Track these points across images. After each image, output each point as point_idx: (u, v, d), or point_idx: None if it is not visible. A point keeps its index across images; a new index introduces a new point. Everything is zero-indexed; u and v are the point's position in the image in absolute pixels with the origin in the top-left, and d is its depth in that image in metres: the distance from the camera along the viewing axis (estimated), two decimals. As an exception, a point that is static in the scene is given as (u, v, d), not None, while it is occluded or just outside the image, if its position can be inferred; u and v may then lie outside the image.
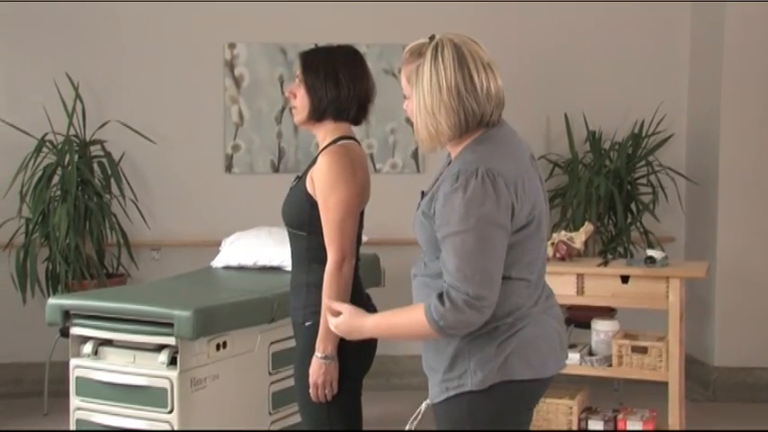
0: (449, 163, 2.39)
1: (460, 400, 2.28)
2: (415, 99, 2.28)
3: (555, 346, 2.38)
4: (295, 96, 2.86)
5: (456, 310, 2.16)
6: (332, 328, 2.41)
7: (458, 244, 2.17)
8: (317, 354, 2.73)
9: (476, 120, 2.26)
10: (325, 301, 2.42)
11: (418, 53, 2.31)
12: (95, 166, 5.51)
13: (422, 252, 2.41)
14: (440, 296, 2.19)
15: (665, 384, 4.18)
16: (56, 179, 5.38)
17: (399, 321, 2.30)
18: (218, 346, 3.81)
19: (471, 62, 2.25)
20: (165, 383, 3.65)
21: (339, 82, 2.80)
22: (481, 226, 2.17)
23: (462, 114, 2.25)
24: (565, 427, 4.31)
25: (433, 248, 2.29)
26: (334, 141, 2.81)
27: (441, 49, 2.26)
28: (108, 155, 5.50)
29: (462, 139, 2.30)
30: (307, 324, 2.81)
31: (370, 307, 2.89)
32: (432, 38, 2.30)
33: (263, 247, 4.77)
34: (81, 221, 5.30)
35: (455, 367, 2.28)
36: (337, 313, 2.40)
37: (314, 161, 2.83)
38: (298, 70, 2.87)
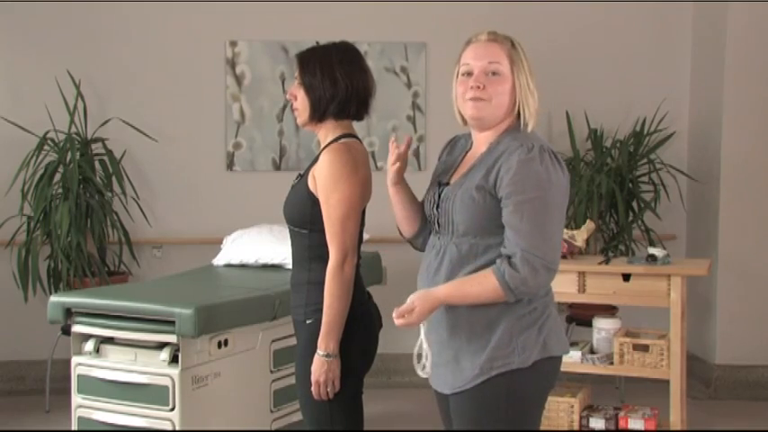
0: (468, 149, 2.54)
1: (501, 380, 2.38)
2: (523, 80, 2.44)
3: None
4: (296, 98, 2.86)
5: (536, 275, 2.31)
6: (403, 324, 2.41)
7: (538, 208, 2.31)
8: (319, 351, 2.73)
9: None
10: (395, 316, 2.41)
11: (504, 39, 2.47)
12: (97, 163, 5.51)
13: (440, 239, 2.47)
14: (510, 263, 2.31)
15: (666, 382, 4.19)
16: (57, 177, 5.38)
17: (471, 292, 2.37)
18: (219, 344, 3.81)
19: None
20: (166, 381, 3.65)
21: (336, 80, 2.79)
22: (556, 195, 2.35)
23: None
24: (566, 426, 4.31)
25: (476, 226, 2.40)
26: (336, 139, 2.81)
27: (522, 45, 2.48)
28: (109, 153, 5.50)
29: (500, 128, 2.46)
30: (308, 322, 2.81)
31: (370, 305, 2.90)
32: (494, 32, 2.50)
33: (264, 245, 4.78)
34: (82, 219, 5.30)
35: (502, 347, 2.38)
36: (409, 311, 2.40)
37: (316, 159, 2.83)
38: (296, 71, 2.86)
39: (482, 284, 2.34)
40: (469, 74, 2.45)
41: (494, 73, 2.43)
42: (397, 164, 2.57)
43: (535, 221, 2.31)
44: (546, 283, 2.38)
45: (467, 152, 2.56)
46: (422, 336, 2.49)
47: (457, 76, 2.49)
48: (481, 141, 2.49)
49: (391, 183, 2.60)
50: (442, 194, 2.49)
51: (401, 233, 2.68)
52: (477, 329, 2.40)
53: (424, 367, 2.49)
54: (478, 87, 2.42)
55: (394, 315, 2.41)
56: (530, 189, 2.32)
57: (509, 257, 2.32)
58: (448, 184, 2.51)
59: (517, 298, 2.35)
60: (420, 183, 2.78)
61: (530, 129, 2.44)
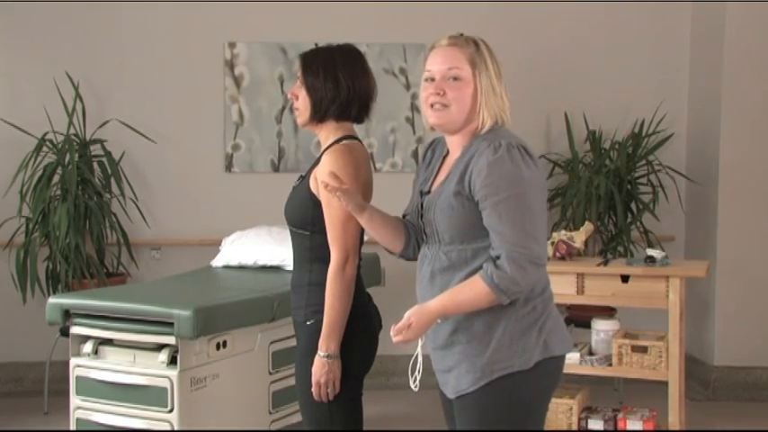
0: (445, 155, 2.53)
1: (503, 382, 2.38)
2: (485, 82, 2.42)
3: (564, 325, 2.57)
4: (297, 98, 2.86)
5: (524, 273, 2.30)
6: (400, 341, 2.40)
7: (514, 206, 2.31)
8: (320, 353, 2.73)
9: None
10: (393, 334, 2.42)
11: (468, 42, 2.45)
12: (95, 165, 5.51)
13: (429, 249, 2.48)
14: (496, 264, 2.30)
15: (665, 384, 4.19)
16: (56, 178, 5.38)
17: (464, 300, 2.37)
18: (218, 346, 3.81)
19: None
20: (165, 383, 3.65)
21: (338, 82, 2.80)
22: (531, 189, 2.33)
23: (509, 104, 2.45)
24: (565, 427, 4.31)
25: (459, 232, 2.40)
26: (338, 141, 2.81)
27: (489, 46, 2.47)
28: (108, 154, 5.50)
29: (470, 131, 2.45)
30: (308, 323, 2.81)
31: (371, 307, 2.89)
32: (461, 34, 2.47)
33: (263, 247, 4.78)
34: (81, 221, 5.30)
35: (502, 350, 2.38)
36: (406, 327, 2.40)
37: (317, 161, 2.83)
38: (298, 71, 2.87)
39: (473, 290, 2.34)
40: (432, 79, 2.45)
41: (454, 78, 2.42)
42: (348, 201, 2.50)
43: (514, 220, 2.30)
44: (536, 279, 2.36)
45: (444, 157, 2.55)
46: (418, 349, 2.50)
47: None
48: (455, 145, 2.49)
49: (356, 213, 2.52)
50: (425, 204, 2.50)
51: (389, 252, 2.66)
52: (476, 333, 2.40)
53: (415, 380, 2.51)
54: (438, 93, 2.43)
55: (392, 333, 2.41)
56: (503, 189, 2.31)
57: (495, 259, 2.32)
58: (429, 192, 2.51)
59: (511, 298, 2.34)
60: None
61: (485, 130, 2.41)
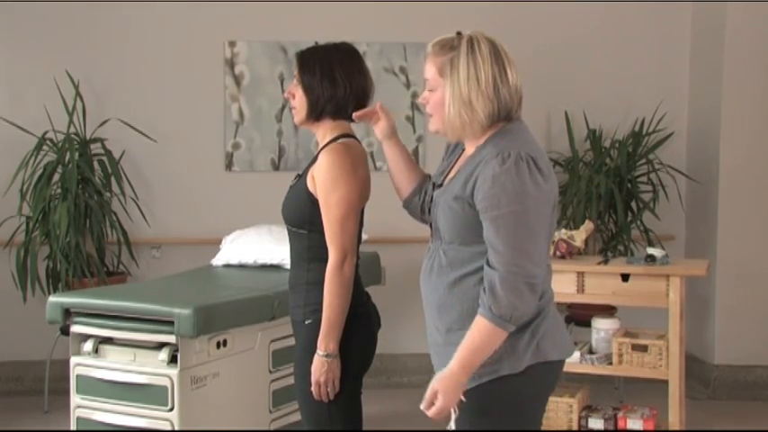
0: (461, 153, 2.50)
1: (492, 386, 2.35)
2: (450, 89, 2.36)
3: (566, 329, 2.52)
4: (294, 97, 2.86)
5: (521, 296, 2.24)
6: (436, 413, 2.31)
7: (514, 223, 2.25)
8: (319, 352, 2.73)
9: (506, 111, 2.37)
10: (423, 408, 2.34)
11: (450, 47, 2.39)
12: (96, 164, 5.52)
13: (433, 244, 2.48)
14: (492, 292, 2.24)
15: (665, 382, 4.19)
16: (56, 177, 5.38)
17: (479, 345, 2.28)
18: (218, 344, 3.81)
19: (504, 56, 2.40)
20: (165, 381, 3.65)
21: (335, 80, 2.79)
22: (534, 206, 2.27)
23: (497, 104, 2.35)
24: (565, 426, 4.31)
25: (459, 235, 2.37)
26: (335, 139, 2.81)
27: (477, 42, 2.37)
28: (108, 153, 5.50)
29: (485, 131, 2.39)
30: (307, 322, 2.81)
31: (370, 306, 2.89)
32: (459, 34, 2.41)
33: (263, 245, 4.78)
34: (81, 219, 5.30)
35: (491, 354, 2.33)
36: (432, 401, 2.32)
37: (314, 159, 2.83)
38: (295, 70, 2.86)
39: (480, 332, 2.27)
40: None
41: (430, 89, 2.43)
42: (379, 122, 2.68)
43: (511, 238, 2.24)
44: (535, 300, 2.30)
45: (462, 152, 2.53)
46: (451, 422, 2.41)
47: None
48: (470, 143, 2.45)
49: (380, 137, 2.68)
50: (434, 198, 2.48)
51: (398, 194, 2.70)
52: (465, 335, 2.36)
53: None
54: (423, 103, 2.46)
55: (422, 407, 2.31)
56: (504, 204, 2.24)
57: (490, 288, 2.25)
58: (441, 185, 2.49)
59: (516, 324, 2.27)
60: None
61: (451, 137, 2.41)
